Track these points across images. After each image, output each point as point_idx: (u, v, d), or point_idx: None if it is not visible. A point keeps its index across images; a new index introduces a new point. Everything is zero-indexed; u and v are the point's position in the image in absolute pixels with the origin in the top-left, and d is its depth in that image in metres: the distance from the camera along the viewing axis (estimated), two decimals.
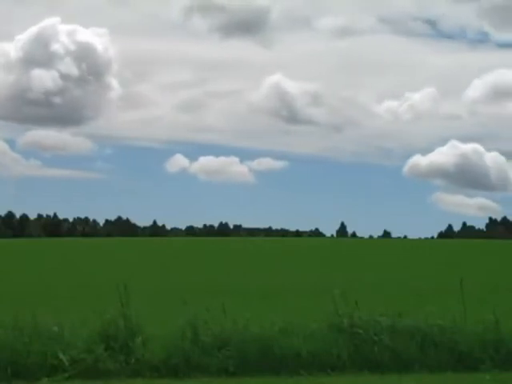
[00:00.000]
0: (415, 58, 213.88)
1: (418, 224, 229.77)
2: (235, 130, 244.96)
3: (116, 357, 13.35)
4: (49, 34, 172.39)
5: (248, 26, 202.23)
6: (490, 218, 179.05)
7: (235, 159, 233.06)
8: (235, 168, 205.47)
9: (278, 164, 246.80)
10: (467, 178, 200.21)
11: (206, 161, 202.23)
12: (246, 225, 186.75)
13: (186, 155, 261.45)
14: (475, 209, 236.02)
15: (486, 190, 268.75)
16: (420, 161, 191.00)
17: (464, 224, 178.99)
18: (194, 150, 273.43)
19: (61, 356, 13.05)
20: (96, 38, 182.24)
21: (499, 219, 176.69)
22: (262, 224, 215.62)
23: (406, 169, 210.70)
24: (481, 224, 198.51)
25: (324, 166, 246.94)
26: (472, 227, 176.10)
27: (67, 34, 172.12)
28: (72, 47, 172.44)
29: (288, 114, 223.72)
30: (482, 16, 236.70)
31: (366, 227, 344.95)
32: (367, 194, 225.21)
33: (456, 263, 47.88)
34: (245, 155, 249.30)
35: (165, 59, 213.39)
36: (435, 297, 22.68)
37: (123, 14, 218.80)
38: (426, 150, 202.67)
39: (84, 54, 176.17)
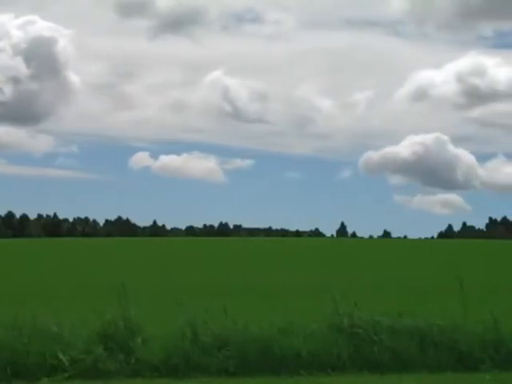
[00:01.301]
0: (357, 55, 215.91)
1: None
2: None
3: (116, 357, 13.34)
4: None
5: (183, 23, 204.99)
6: (490, 218, 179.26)
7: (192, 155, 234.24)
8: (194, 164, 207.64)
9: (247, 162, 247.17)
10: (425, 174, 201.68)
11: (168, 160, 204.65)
12: (245, 225, 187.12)
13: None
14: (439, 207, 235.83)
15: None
16: (372, 156, 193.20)
17: (464, 224, 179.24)
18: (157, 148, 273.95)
19: (60, 356, 13.04)
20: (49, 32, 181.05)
21: (499, 219, 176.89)
22: (261, 224, 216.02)
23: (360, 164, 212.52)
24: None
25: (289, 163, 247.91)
26: (472, 227, 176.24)
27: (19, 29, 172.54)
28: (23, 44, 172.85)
29: (233, 111, 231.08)
30: None
31: (364, 227, 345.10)
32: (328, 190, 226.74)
33: (456, 263, 47.85)
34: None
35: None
36: (435, 297, 22.70)
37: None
38: (378, 146, 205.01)
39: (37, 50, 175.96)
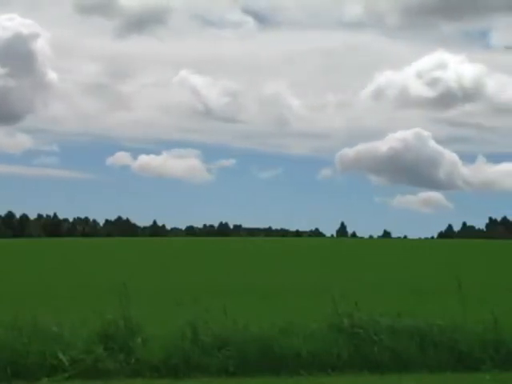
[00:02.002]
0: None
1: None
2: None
3: (116, 357, 13.35)
4: None
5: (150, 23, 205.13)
6: (490, 218, 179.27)
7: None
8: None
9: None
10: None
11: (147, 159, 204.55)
12: (245, 225, 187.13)
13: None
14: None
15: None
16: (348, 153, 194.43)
17: (464, 224, 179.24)
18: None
19: (61, 356, 13.05)
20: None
21: (499, 219, 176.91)
22: (261, 224, 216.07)
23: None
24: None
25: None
26: (472, 227, 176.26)
27: None
28: None
29: (204, 109, 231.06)
30: None
31: (365, 227, 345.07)
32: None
33: (456, 263, 47.85)
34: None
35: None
36: (435, 297, 22.69)
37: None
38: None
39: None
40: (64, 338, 13.42)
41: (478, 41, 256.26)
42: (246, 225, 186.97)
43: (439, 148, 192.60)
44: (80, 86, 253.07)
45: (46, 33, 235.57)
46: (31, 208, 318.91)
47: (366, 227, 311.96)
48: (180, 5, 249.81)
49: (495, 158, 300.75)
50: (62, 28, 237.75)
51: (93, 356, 13.20)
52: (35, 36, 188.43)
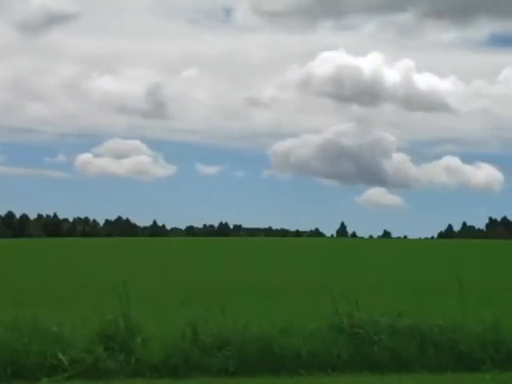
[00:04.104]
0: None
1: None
2: None
3: (116, 357, 13.35)
4: None
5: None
6: (490, 218, 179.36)
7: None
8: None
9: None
10: None
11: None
12: (245, 225, 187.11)
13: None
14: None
15: None
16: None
17: (464, 224, 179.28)
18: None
19: (61, 356, 13.04)
20: None
21: (499, 219, 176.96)
22: (261, 224, 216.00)
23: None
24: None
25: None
26: (472, 227, 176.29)
27: None
28: None
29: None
30: None
31: (363, 227, 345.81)
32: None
33: (456, 263, 47.85)
34: None
35: None
36: (435, 297, 22.67)
37: None
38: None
39: None
40: (64, 338, 13.41)
41: None
42: (245, 225, 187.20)
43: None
44: None
45: None
46: (31, 208, 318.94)
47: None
48: None
49: None
50: None
51: (93, 356, 13.20)
52: None
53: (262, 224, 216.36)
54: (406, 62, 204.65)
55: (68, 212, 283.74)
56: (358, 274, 38.66)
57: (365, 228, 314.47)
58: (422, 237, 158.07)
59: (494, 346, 14.38)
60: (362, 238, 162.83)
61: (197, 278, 34.20)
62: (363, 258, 60.38)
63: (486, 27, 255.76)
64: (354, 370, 13.84)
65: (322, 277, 35.07)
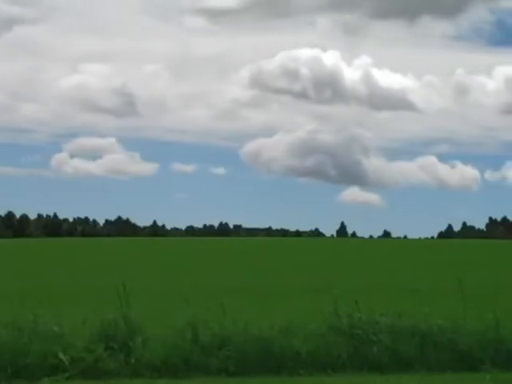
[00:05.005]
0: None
1: None
2: None
3: (116, 357, 13.35)
4: None
5: None
6: (490, 218, 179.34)
7: None
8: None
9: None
10: None
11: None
12: (245, 225, 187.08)
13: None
14: None
15: None
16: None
17: (464, 224, 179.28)
18: None
19: (61, 356, 13.05)
20: None
21: (499, 219, 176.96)
22: (261, 224, 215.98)
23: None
24: None
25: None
26: (472, 227, 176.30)
27: None
28: None
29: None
30: None
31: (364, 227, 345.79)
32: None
33: (456, 263, 47.87)
34: None
35: None
36: (435, 297, 22.67)
37: None
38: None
39: None
40: (64, 338, 13.42)
41: None
42: (245, 225, 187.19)
43: None
44: None
45: None
46: (31, 208, 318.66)
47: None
48: None
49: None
50: None
51: (93, 356, 13.20)
52: None
53: (262, 224, 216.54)
54: (365, 60, 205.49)
55: (68, 212, 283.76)
56: (357, 274, 38.68)
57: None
58: (422, 237, 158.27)
59: (494, 346, 14.37)
60: (362, 237, 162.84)
61: (197, 278, 34.21)
62: (363, 258, 60.39)
63: (430, 26, 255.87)
64: (354, 370, 13.83)
65: (322, 277, 35.06)
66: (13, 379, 12.75)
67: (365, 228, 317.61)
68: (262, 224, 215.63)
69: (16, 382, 12.72)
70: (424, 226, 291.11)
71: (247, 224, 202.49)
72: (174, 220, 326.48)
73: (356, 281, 31.17)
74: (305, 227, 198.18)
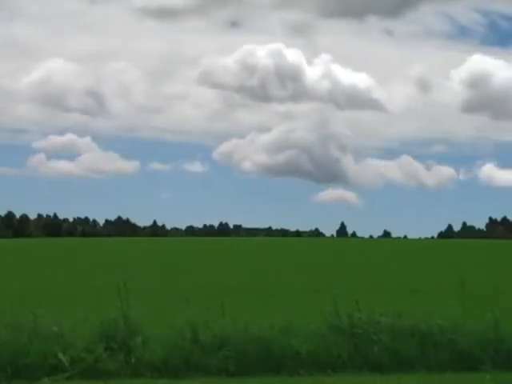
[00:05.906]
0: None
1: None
2: None
3: (116, 357, 13.35)
4: None
5: None
6: (490, 218, 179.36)
7: None
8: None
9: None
10: None
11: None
12: (245, 225, 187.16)
13: None
14: None
15: None
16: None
17: (464, 224, 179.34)
18: None
19: (61, 356, 13.05)
20: None
21: (499, 219, 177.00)
22: (261, 224, 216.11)
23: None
24: None
25: None
26: (472, 227, 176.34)
27: None
28: None
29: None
30: None
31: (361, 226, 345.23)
32: None
33: (456, 263, 47.87)
34: None
35: None
36: (435, 297, 22.67)
37: None
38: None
39: None
40: (64, 338, 13.42)
41: None
42: (245, 225, 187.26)
43: None
44: None
45: None
46: (31, 208, 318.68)
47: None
48: None
49: None
50: None
51: (93, 356, 13.20)
52: None
53: (262, 224, 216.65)
54: (324, 57, 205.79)
55: (68, 212, 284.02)
56: (357, 274, 38.67)
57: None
58: (422, 237, 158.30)
59: (494, 346, 14.38)
60: (362, 237, 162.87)
61: (197, 278, 34.21)
62: (363, 258, 60.39)
63: (377, 25, 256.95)
64: (354, 370, 13.83)
65: (322, 277, 35.06)
66: (13, 379, 12.75)
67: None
68: (262, 224, 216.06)
69: (16, 381, 12.72)
70: (425, 226, 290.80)
71: (247, 224, 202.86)
72: (174, 220, 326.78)
73: (356, 281, 31.17)
74: (305, 227, 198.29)
